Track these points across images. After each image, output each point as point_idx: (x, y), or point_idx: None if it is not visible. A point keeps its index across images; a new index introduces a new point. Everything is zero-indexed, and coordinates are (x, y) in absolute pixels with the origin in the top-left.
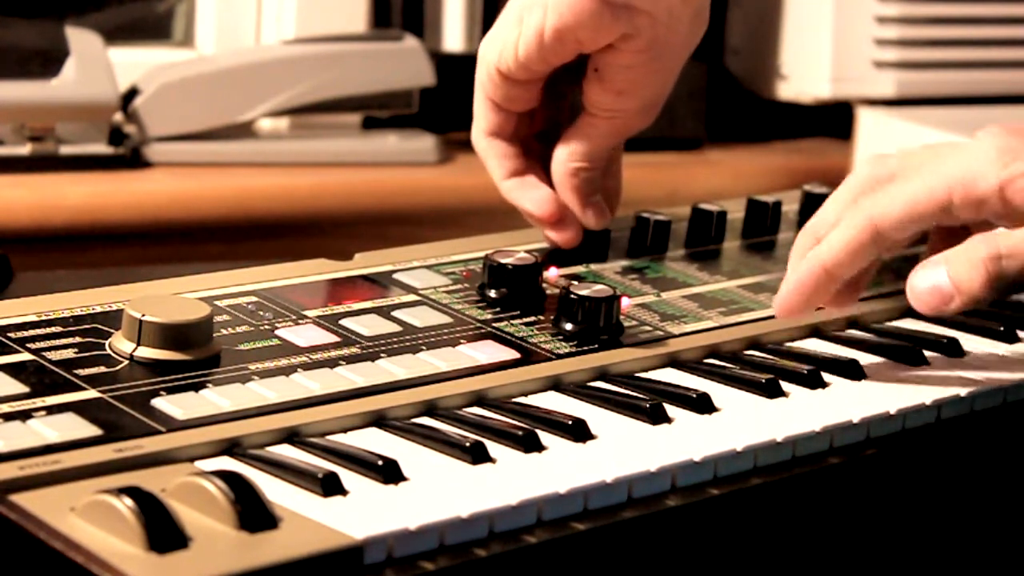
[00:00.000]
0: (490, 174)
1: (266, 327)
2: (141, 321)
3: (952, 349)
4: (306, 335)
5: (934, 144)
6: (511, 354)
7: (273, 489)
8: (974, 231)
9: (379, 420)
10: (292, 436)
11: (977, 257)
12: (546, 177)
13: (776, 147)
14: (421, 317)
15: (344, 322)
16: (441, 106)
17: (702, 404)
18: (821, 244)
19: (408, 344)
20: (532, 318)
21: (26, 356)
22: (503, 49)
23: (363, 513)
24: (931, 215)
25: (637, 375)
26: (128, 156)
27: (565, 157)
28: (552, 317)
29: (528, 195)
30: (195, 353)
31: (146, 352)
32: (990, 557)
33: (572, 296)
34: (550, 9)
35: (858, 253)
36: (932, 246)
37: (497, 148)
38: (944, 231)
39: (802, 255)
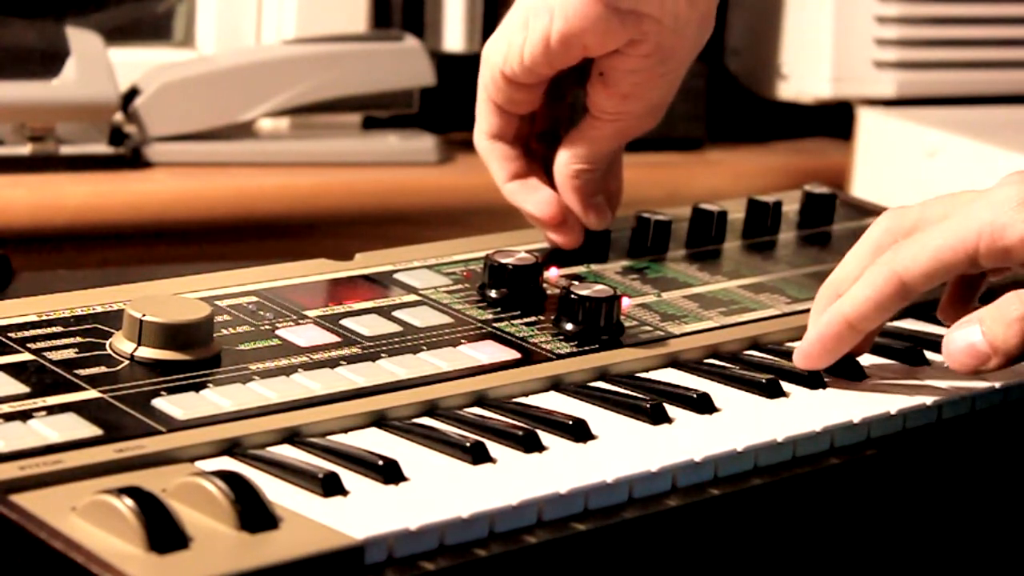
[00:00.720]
0: (492, 176)
1: (266, 327)
2: (141, 321)
3: None
4: (306, 335)
5: (953, 193)
6: (511, 354)
7: (273, 489)
8: (990, 276)
9: (379, 420)
10: (292, 436)
11: (1012, 315)
12: (547, 178)
13: (776, 147)
14: (421, 317)
15: (344, 322)
16: (441, 106)
17: (702, 404)
18: (844, 298)
19: (409, 344)
20: (532, 318)
21: (26, 356)
22: (508, 53)
23: (363, 513)
24: (957, 265)
25: (637, 375)
26: (128, 156)
27: (568, 159)
28: (552, 317)
29: (530, 197)
30: (195, 353)
31: (146, 352)
32: (990, 557)
33: (572, 296)
34: (556, 14)
35: (883, 307)
36: (950, 292)
37: (499, 150)
38: (962, 276)
39: (823, 310)
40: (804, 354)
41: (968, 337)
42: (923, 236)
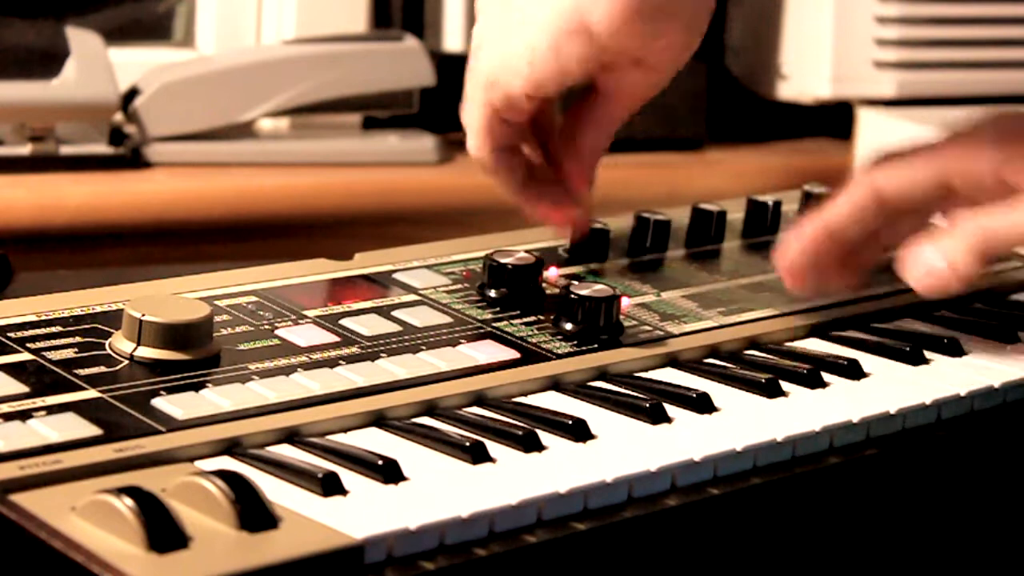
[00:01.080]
0: (501, 186)
1: (266, 327)
2: (141, 321)
3: (952, 349)
4: (306, 335)
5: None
6: (511, 354)
7: (273, 489)
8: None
9: (379, 420)
10: (292, 436)
11: (966, 234)
12: (546, 172)
13: (776, 147)
14: (421, 317)
15: (344, 322)
16: (441, 106)
17: (702, 404)
18: (824, 208)
19: (408, 344)
20: (532, 318)
21: (26, 356)
22: (539, 77)
23: (363, 513)
24: (931, 184)
25: (637, 375)
26: (128, 156)
27: (596, 145)
28: (552, 317)
29: (550, 201)
30: (195, 353)
31: (146, 352)
32: (990, 557)
33: (572, 296)
34: (596, 34)
35: (859, 212)
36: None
37: (507, 161)
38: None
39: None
40: (787, 269)
41: (927, 260)
42: (902, 159)
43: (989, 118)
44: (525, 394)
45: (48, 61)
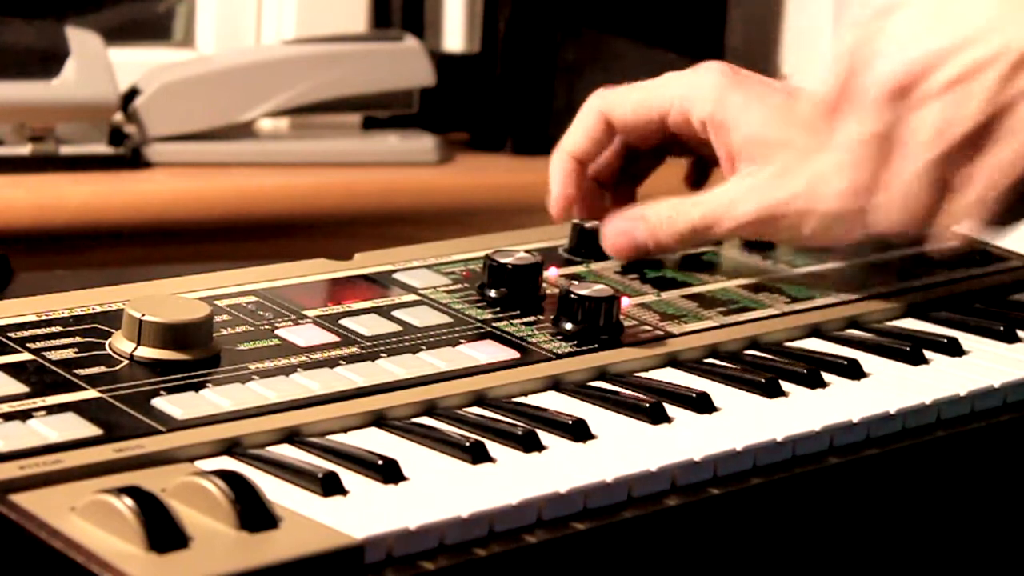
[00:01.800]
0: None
1: (266, 327)
2: (141, 321)
3: (952, 349)
4: (306, 335)
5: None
6: (511, 354)
7: (273, 489)
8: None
9: (379, 420)
10: (292, 436)
11: (678, 226)
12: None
13: None
14: (421, 317)
15: (344, 322)
16: (441, 106)
17: (702, 404)
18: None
19: (408, 344)
20: (532, 318)
21: (26, 356)
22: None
23: (363, 513)
24: (655, 108)
25: (637, 375)
26: (128, 156)
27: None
28: (552, 317)
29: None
30: (195, 353)
31: (146, 352)
32: (990, 557)
33: (572, 296)
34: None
35: (583, 121)
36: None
37: None
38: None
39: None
40: (552, 203)
41: (632, 231)
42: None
43: (712, 66)
44: (525, 394)
45: (48, 61)
